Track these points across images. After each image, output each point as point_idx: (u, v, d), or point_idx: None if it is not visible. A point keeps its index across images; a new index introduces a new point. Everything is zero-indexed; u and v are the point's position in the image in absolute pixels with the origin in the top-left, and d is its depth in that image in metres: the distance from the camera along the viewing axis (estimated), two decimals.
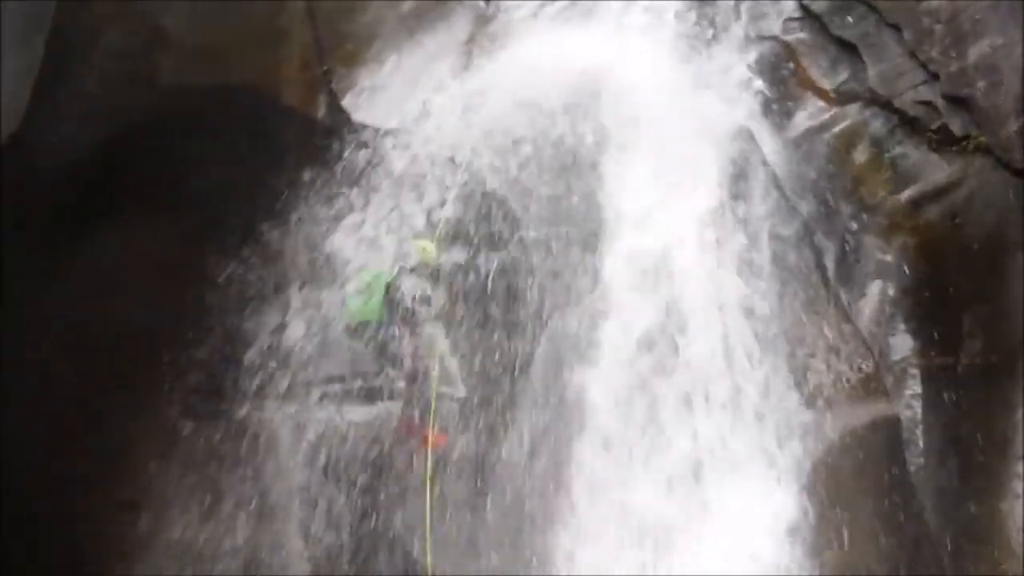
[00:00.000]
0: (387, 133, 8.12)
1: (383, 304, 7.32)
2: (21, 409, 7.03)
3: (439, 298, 7.43)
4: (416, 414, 7.36)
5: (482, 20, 9.11)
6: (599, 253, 7.64)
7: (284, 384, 7.83)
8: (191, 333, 7.83)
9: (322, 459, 7.62)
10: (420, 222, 7.76)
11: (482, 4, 9.23)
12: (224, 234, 7.96)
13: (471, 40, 8.93)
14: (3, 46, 6.31)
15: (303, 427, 7.82)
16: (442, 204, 7.75)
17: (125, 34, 7.82)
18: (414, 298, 7.31)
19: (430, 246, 7.52)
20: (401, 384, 7.50)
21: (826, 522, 6.92)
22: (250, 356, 7.94)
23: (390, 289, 7.34)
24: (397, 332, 7.35)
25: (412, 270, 7.45)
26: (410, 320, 7.32)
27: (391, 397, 7.62)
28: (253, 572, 7.42)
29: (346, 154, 7.95)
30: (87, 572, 7.26)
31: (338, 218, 7.84)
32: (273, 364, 7.87)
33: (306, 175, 7.96)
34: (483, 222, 7.83)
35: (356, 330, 7.47)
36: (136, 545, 7.46)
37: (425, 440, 7.28)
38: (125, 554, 7.38)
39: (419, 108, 8.26)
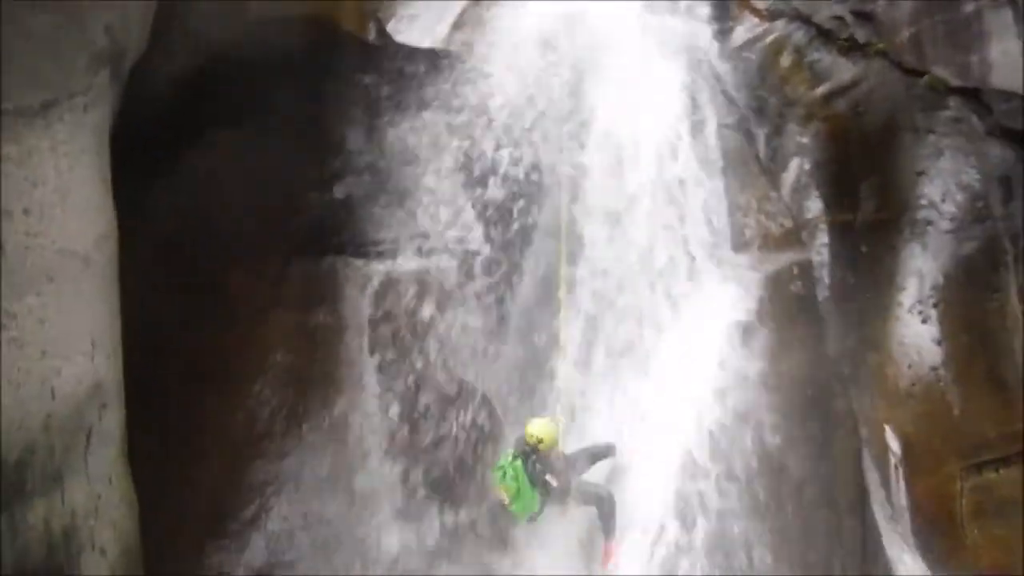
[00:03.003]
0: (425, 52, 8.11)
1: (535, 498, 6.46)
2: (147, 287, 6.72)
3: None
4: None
5: None
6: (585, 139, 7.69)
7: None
8: (284, 223, 7.71)
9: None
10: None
11: None
12: (306, 143, 7.86)
13: None
14: None
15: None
16: None
17: None
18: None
19: (548, 430, 6.46)
20: None
21: (762, 333, 7.19)
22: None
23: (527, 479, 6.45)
24: None
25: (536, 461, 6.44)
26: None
27: None
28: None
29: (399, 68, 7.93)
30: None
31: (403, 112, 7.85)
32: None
33: (367, 87, 7.94)
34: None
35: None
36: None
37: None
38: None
39: (446, 33, 8.27)
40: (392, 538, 7.20)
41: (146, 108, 6.94)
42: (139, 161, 6.96)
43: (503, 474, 6.58)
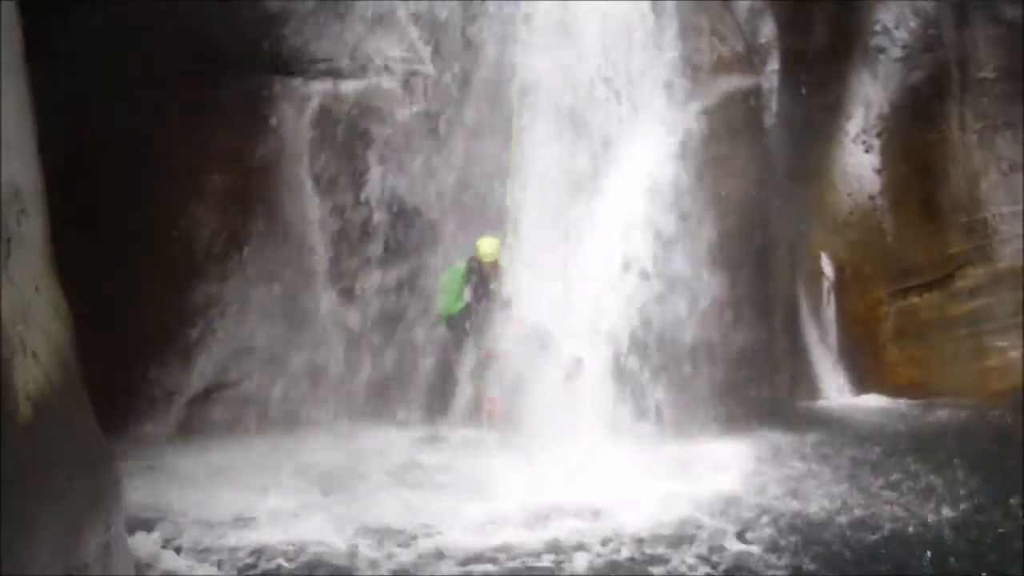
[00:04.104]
0: None
1: (460, 299, 6.58)
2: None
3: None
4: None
5: None
6: None
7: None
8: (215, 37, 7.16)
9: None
10: None
11: None
12: None
13: None
14: None
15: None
16: None
17: None
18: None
19: (487, 242, 6.59)
20: None
21: (710, 155, 7.04)
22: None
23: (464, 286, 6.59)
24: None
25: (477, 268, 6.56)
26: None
27: None
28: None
29: None
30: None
31: None
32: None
33: None
34: None
35: (444, 321, 6.76)
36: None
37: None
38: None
39: None
40: (338, 359, 7.26)
41: None
42: None
43: (448, 275, 6.80)
